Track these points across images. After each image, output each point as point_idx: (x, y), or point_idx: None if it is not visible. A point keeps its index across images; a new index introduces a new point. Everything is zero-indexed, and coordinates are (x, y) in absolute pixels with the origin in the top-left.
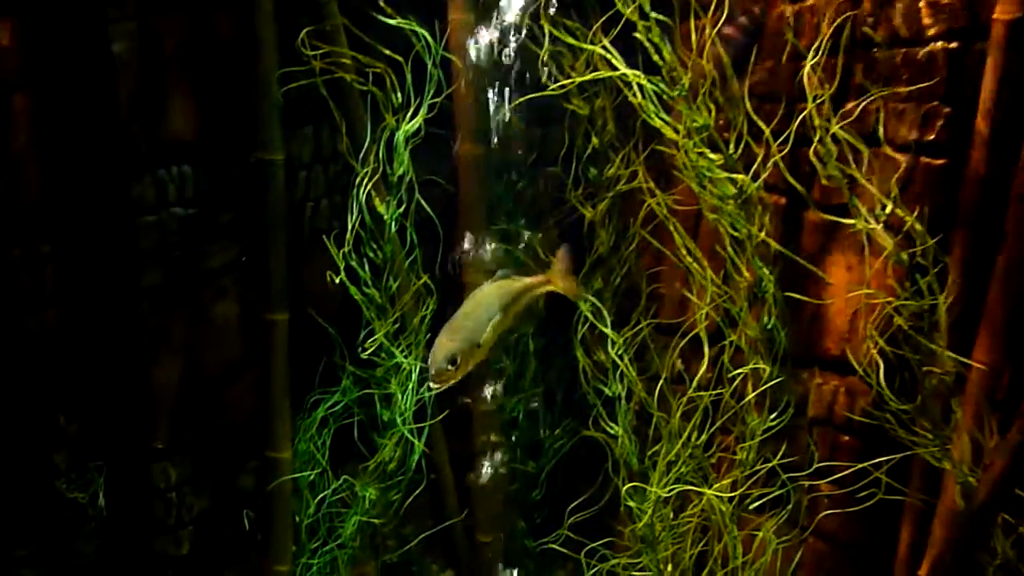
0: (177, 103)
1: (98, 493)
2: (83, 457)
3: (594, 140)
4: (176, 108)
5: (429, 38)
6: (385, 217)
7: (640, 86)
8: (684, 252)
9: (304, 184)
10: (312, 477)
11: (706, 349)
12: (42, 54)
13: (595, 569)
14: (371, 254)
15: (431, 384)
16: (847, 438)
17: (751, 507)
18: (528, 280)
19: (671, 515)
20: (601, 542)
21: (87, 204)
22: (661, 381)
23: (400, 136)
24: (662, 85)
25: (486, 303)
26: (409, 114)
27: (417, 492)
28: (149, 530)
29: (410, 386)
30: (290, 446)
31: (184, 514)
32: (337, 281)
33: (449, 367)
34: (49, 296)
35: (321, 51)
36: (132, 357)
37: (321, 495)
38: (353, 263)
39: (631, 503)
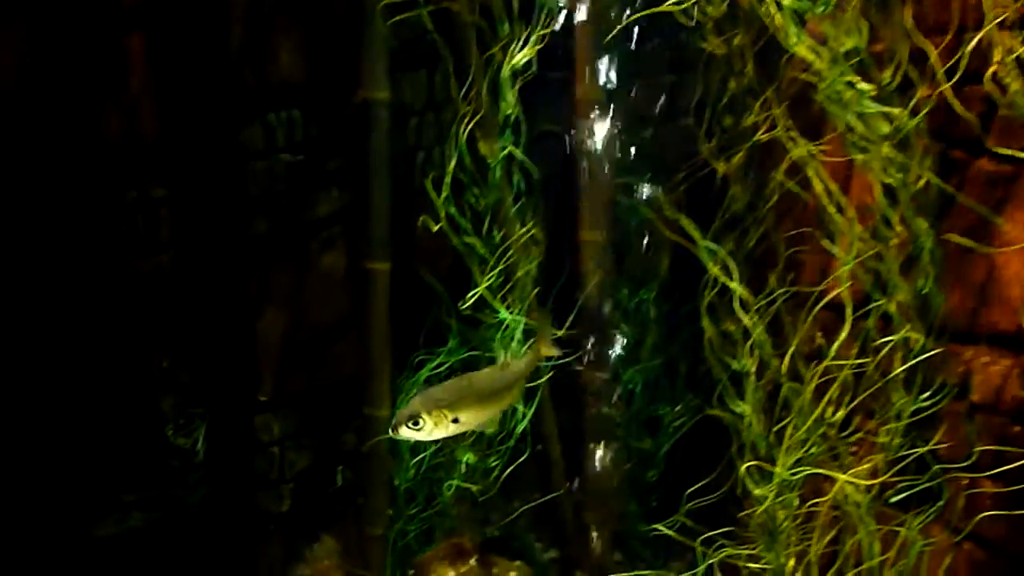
0: (286, 45)
1: (203, 442)
2: (191, 405)
3: (731, 84)
4: (285, 50)
5: None
6: (489, 161)
7: (778, 2)
8: (828, 204)
9: (415, 131)
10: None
11: (849, 313)
12: None
13: (711, 559)
14: (472, 201)
15: (391, 431)
16: (1018, 428)
17: (893, 500)
18: (521, 366)
19: (796, 502)
20: (721, 531)
21: (200, 148)
22: (789, 355)
23: (506, 71)
24: (805, 2)
25: (483, 384)
26: (517, 47)
27: (519, 462)
28: (251, 483)
29: (513, 345)
30: (389, 404)
31: (286, 470)
32: (435, 229)
33: (410, 425)
34: (163, 240)
35: None
36: (239, 307)
37: (420, 456)
38: (452, 211)
39: (752, 486)
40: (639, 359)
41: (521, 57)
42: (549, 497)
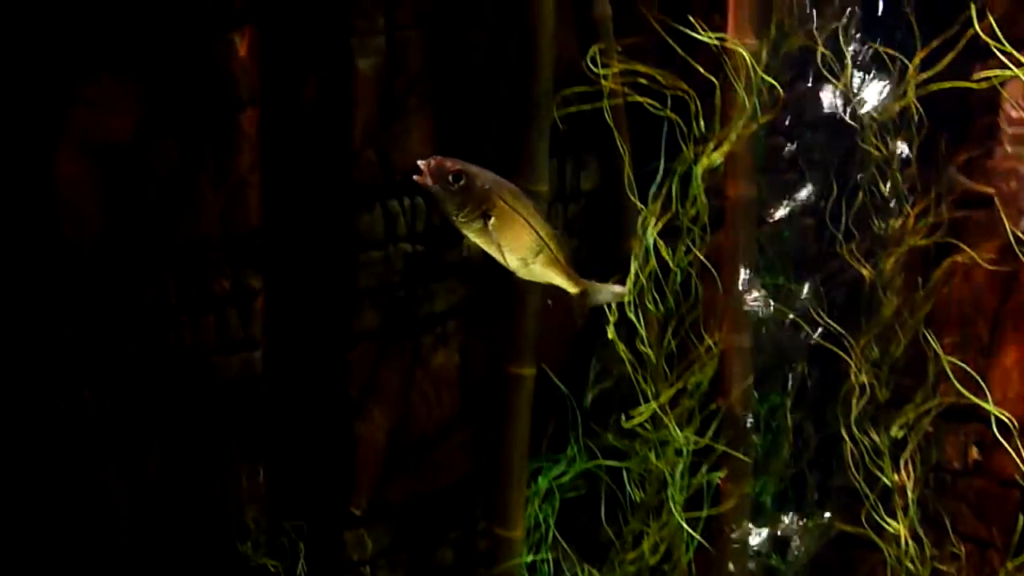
0: (417, 127)
1: (295, 560)
2: (276, 516)
3: (885, 186)
4: (416, 133)
5: (749, 57)
6: (672, 265)
7: None
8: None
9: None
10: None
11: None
12: (278, 67)
13: None
14: (651, 307)
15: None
16: None
17: None
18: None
19: None
20: None
21: (307, 235)
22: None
23: (698, 171)
24: None
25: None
26: (711, 147)
27: None
28: None
29: (682, 466)
30: (522, 523)
31: None
32: (611, 336)
33: (450, 180)
34: (255, 335)
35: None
36: (339, 409)
37: None
38: (630, 314)
39: None
40: (769, 469)
41: (719, 155)
42: None
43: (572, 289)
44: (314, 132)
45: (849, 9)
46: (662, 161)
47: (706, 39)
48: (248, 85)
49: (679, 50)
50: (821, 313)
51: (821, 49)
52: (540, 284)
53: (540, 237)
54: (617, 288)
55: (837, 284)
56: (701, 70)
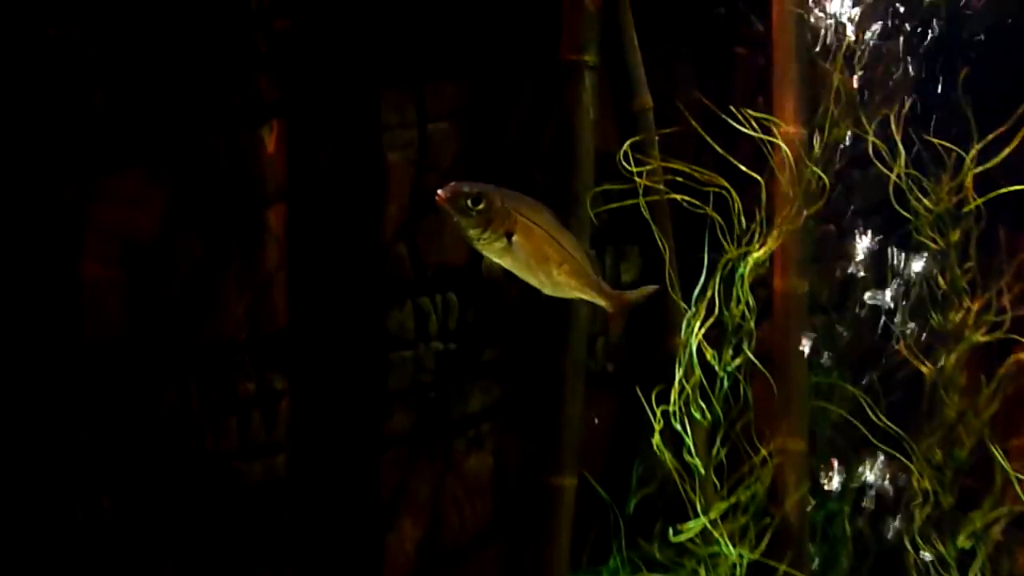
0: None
1: None
2: None
3: (944, 279)
4: (447, 229)
5: (787, 149)
6: (718, 370)
7: None
8: None
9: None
10: None
11: None
12: (307, 161)
13: None
14: (697, 415)
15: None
16: None
17: None
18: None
19: None
20: None
21: (335, 334)
22: None
23: (743, 272)
24: None
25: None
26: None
27: None
28: None
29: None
30: None
31: None
32: (656, 446)
33: (469, 204)
34: (279, 439)
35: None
36: (367, 518)
37: None
38: (675, 425)
39: None
40: None
41: (763, 253)
42: None
43: (602, 301)
44: (343, 227)
45: (902, 97)
46: (706, 255)
47: (751, 132)
48: (275, 180)
49: (717, 147)
50: (879, 413)
51: (872, 138)
52: (581, 382)
53: (563, 248)
54: (648, 288)
55: (895, 382)
56: (742, 167)
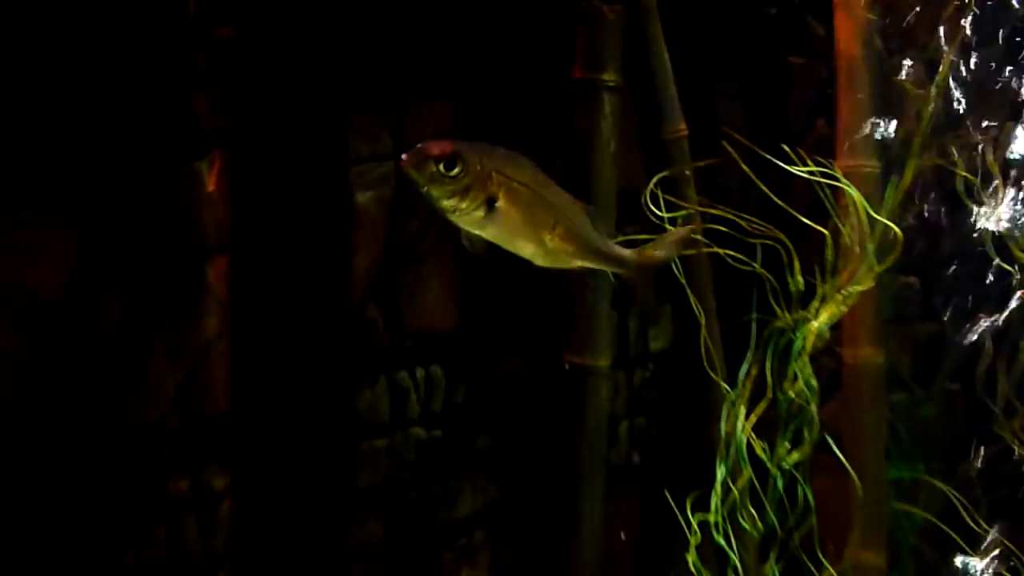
0: (434, 276)
1: None
2: None
3: None
4: (433, 283)
5: (856, 195)
6: (770, 467)
7: None
8: None
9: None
10: None
11: None
12: (255, 204)
13: None
14: (745, 524)
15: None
16: None
17: None
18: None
19: None
20: None
21: (290, 419)
22: None
23: (801, 342)
24: None
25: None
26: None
27: None
28: None
29: None
30: None
31: None
32: (692, 562)
33: (442, 169)
34: (218, 553)
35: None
36: None
37: None
38: (717, 536)
39: None
40: None
41: (826, 319)
42: None
43: (615, 267)
44: (301, 285)
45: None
46: (754, 320)
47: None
48: (216, 226)
49: (765, 188)
50: (977, 516)
51: (960, 171)
52: (601, 478)
53: (555, 207)
54: (678, 232)
55: (998, 475)
56: (801, 217)
